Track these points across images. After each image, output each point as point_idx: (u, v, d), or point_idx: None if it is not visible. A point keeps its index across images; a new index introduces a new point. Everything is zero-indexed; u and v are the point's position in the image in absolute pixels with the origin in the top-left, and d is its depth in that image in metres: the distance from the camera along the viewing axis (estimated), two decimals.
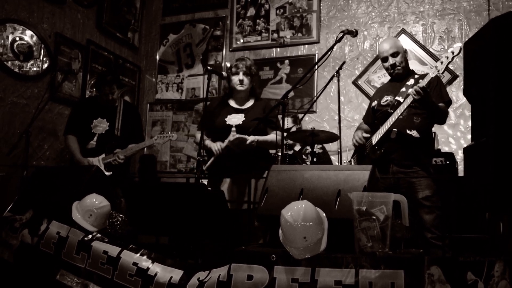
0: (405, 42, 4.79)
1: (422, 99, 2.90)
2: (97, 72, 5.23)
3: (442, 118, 3.17)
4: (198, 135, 3.35)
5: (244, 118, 3.27)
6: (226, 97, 3.45)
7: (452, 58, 2.86)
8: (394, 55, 3.27)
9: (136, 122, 4.24)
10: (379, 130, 3.20)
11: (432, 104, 3.00)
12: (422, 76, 3.15)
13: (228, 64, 3.53)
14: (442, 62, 2.88)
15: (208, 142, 3.29)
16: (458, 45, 2.87)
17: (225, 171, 3.24)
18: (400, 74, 3.31)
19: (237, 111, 3.35)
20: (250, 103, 3.42)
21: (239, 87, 3.34)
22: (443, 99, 3.12)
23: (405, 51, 3.32)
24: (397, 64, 3.27)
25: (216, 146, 3.18)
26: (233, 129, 3.23)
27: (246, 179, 3.21)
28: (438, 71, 2.87)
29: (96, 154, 3.90)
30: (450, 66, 4.74)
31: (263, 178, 3.13)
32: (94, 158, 3.87)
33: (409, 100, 2.97)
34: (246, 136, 3.14)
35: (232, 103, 3.43)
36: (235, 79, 3.34)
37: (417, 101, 2.92)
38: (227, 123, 3.26)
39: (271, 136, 3.30)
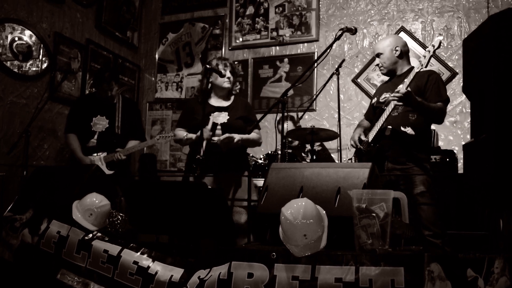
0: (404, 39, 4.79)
1: (404, 102, 2.95)
2: (94, 70, 5.23)
3: (436, 117, 3.16)
4: (178, 132, 3.44)
5: (228, 117, 3.36)
6: (205, 96, 3.41)
7: (434, 52, 2.98)
8: (378, 55, 3.37)
9: (136, 117, 4.23)
10: (373, 127, 3.22)
11: (417, 105, 3.00)
12: (421, 73, 3.15)
13: (210, 62, 3.52)
14: (425, 57, 2.98)
15: (191, 134, 3.33)
16: (438, 39, 2.99)
17: (209, 169, 3.26)
18: (385, 74, 3.42)
19: (219, 109, 3.41)
20: (230, 101, 3.50)
21: (226, 85, 3.41)
22: (441, 97, 3.12)
23: (393, 50, 3.29)
24: (380, 65, 3.38)
25: (205, 132, 3.22)
26: (218, 127, 3.31)
27: (229, 177, 3.30)
28: (422, 65, 2.96)
29: (97, 152, 3.91)
30: (449, 63, 4.79)
31: (244, 176, 3.30)
32: (95, 157, 3.87)
33: (391, 105, 3.04)
34: (234, 135, 3.22)
35: (213, 101, 3.47)
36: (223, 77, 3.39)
37: (401, 103, 2.98)
38: (212, 121, 3.32)
39: (253, 135, 3.41)
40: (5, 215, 2.61)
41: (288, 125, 4.55)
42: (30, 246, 2.40)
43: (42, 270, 2.33)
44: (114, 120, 3.99)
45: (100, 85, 4.00)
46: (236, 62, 3.60)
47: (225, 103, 3.46)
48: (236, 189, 3.32)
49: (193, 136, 3.30)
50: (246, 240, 2.98)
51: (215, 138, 3.23)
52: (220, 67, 3.39)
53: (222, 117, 3.36)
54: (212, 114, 3.36)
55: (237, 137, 3.22)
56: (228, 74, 3.40)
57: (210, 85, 3.43)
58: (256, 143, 3.50)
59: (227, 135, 3.20)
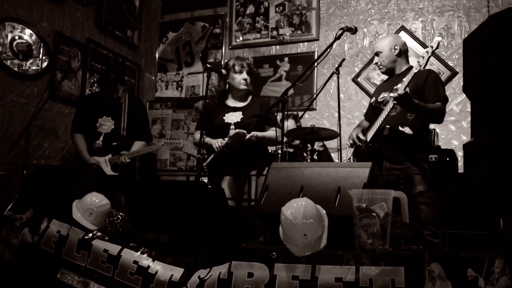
0: (404, 39, 4.78)
1: (401, 104, 2.94)
2: (97, 70, 5.23)
3: (435, 118, 3.16)
4: (197, 135, 3.37)
5: (242, 116, 3.31)
6: (223, 96, 3.46)
7: (432, 52, 2.95)
8: (377, 54, 3.37)
9: (142, 117, 4.20)
10: (372, 127, 3.22)
11: (414, 107, 2.99)
12: (420, 72, 3.15)
13: (227, 62, 3.49)
14: (423, 57, 2.95)
15: (208, 139, 3.30)
16: (436, 40, 2.95)
17: (225, 169, 3.25)
18: (384, 73, 3.41)
19: (235, 109, 3.37)
20: (246, 101, 3.44)
21: (242, 86, 3.37)
22: (439, 96, 3.11)
23: (392, 48, 3.30)
24: (379, 63, 3.37)
25: (218, 143, 3.19)
26: (232, 127, 3.25)
27: (246, 176, 3.22)
28: (420, 66, 2.93)
29: (103, 154, 3.89)
30: (449, 63, 4.78)
31: (263, 175, 3.17)
32: (100, 158, 3.86)
33: (390, 105, 3.01)
34: (245, 131, 3.16)
35: (230, 101, 3.44)
36: (239, 77, 3.36)
37: (398, 104, 2.97)
38: (225, 121, 3.29)
39: (270, 132, 3.34)
40: (5, 214, 2.61)
41: (290, 123, 4.54)
42: (30, 245, 2.40)
43: (42, 269, 2.33)
44: (120, 121, 3.98)
45: (105, 87, 3.99)
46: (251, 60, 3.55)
47: (242, 104, 3.42)
48: (249, 188, 3.22)
49: (209, 141, 3.26)
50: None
51: (226, 138, 3.19)
52: (237, 67, 3.36)
53: (235, 117, 3.31)
54: (226, 114, 3.33)
55: (249, 133, 3.17)
56: (244, 75, 3.36)
57: (227, 85, 3.41)
58: (273, 140, 3.39)
59: (237, 130, 3.17)
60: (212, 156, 3.18)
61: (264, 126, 3.35)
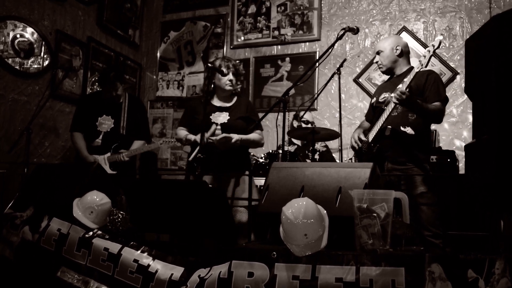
0: (406, 39, 4.78)
1: (403, 103, 2.94)
2: (99, 69, 5.24)
3: (434, 118, 3.16)
4: (179, 132, 3.43)
5: (228, 117, 3.34)
6: (208, 96, 3.43)
7: (434, 51, 2.96)
8: (378, 53, 3.39)
9: (141, 117, 4.22)
10: (373, 127, 3.22)
11: (415, 106, 2.99)
12: (421, 72, 3.15)
13: (214, 62, 3.49)
14: (425, 56, 2.96)
15: (191, 135, 3.32)
16: (438, 38, 2.98)
17: (208, 168, 3.25)
18: (384, 72, 3.43)
19: (221, 109, 3.39)
20: (233, 101, 3.47)
21: (228, 87, 3.39)
22: (439, 96, 3.12)
23: (394, 48, 3.31)
24: (379, 62, 3.38)
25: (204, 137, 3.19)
26: (218, 127, 3.27)
27: (227, 176, 3.28)
28: (422, 65, 2.95)
29: (102, 152, 3.91)
30: (451, 64, 4.78)
31: (245, 175, 3.27)
32: (100, 157, 3.87)
33: (391, 105, 3.01)
34: (231, 135, 3.19)
35: (215, 101, 3.45)
36: (224, 79, 3.36)
37: (400, 104, 2.97)
38: (212, 121, 3.30)
39: (254, 135, 3.37)
40: (6, 212, 2.61)
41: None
42: (31, 243, 2.40)
43: (42, 267, 2.32)
44: (120, 120, 3.99)
45: (105, 85, 4.00)
46: (237, 61, 3.57)
47: (227, 104, 3.44)
48: (235, 188, 3.30)
49: (192, 137, 3.29)
50: (247, 240, 2.98)
51: (213, 138, 3.21)
52: (223, 69, 3.36)
53: (222, 117, 3.34)
54: (213, 114, 3.35)
55: (235, 137, 3.20)
56: (230, 76, 3.37)
57: (212, 85, 3.42)
58: (257, 143, 3.45)
59: (224, 135, 3.19)
60: (196, 150, 3.17)
61: (248, 128, 3.38)
